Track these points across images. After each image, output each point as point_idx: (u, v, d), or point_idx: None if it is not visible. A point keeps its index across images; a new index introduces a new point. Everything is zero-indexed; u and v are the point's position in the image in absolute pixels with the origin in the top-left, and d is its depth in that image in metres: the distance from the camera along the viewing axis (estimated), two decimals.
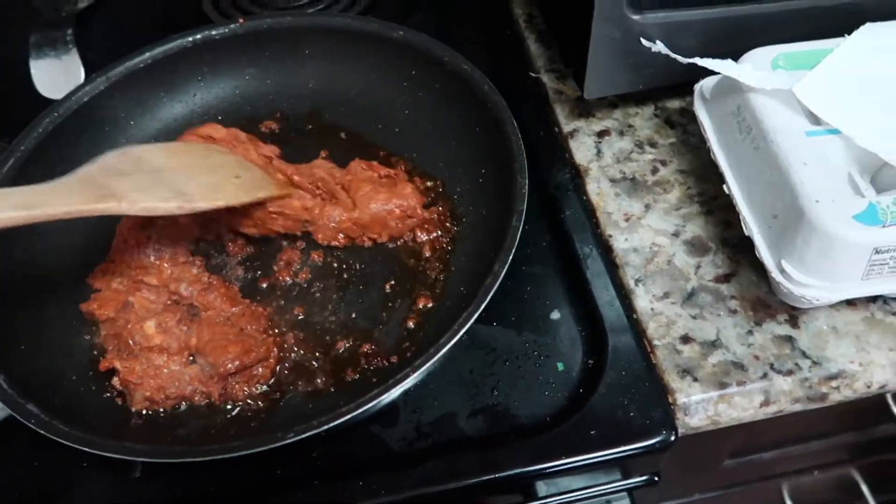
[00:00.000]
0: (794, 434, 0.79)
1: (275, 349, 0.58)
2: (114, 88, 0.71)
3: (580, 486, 0.60)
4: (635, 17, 0.62)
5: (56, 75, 0.82)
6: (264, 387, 0.57)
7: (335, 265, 0.64)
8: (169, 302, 0.60)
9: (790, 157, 0.54)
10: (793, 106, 0.57)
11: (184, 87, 0.75)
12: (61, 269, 0.63)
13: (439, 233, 0.64)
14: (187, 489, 0.55)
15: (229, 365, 0.55)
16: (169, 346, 0.57)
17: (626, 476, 0.61)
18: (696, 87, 0.66)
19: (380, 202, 0.62)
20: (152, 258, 0.62)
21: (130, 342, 0.58)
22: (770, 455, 0.82)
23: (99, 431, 0.51)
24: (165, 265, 0.62)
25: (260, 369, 0.57)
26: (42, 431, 0.49)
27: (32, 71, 0.82)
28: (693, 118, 0.72)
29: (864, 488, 0.96)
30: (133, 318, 0.59)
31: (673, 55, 0.62)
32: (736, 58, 0.62)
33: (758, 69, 0.59)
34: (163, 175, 0.55)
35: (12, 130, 0.76)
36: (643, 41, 0.63)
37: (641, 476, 0.61)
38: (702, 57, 0.63)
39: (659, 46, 0.63)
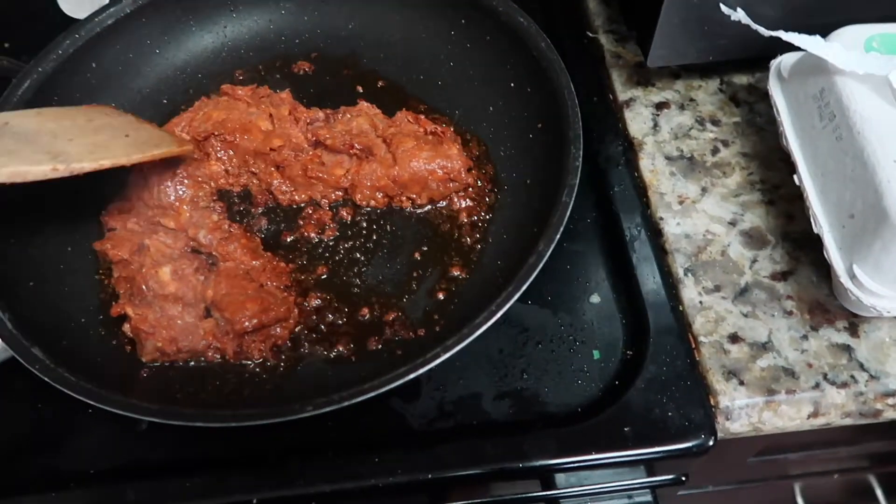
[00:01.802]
0: (825, 439, 0.76)
1: (295, 309, 0.55)
2: (140, 12, 0.66)
3: (603, 480, 0.57)
4: None
5: None
6: (281, 349, 0.54)
7: (364, 225, 0.60)
8: (187, 248, 0.57)
9: (878, 151, 0.49)
10: (886, 95, 0.52)
11: (215, 17, 0.70)
12: (74, 204, 0.59)
13: (478, 199, 0.60)
14: (194, 449, 0.52)
15: (246, 323, 0.52)
16: (184, 295, 0.54)
17: (651, 473, 0.57)
18: (773, 63, 0.60)
19: (422, 161, 0.58)
20: (172, 198, 0.58)
21: (144, 287, 0.54)
22: (795, 456, 0.79)
23: (106, 381, 0.48)
24: (185, 207, 0.58)
25: (278, 329, 0.54)
26: (48, 379, 0.47)
27: None
28: (762, 97, 0.67)
29: (880, 493, 0.94)
30: (148, 262, 0.55)
31: (755, 26, 0.57)
32: (823, 34, 0.56)
33: (849, 50, 0.53)
34: (37, 139, 0.50)
35: (33, 50, 0.72)
36: (723, 7, 0.57)
37: (669, 475, 0.58)
38: (783, 30, 0.57)
39: (740, 15, 0.57)
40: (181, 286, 0.54)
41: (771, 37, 0.56)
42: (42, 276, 0.55)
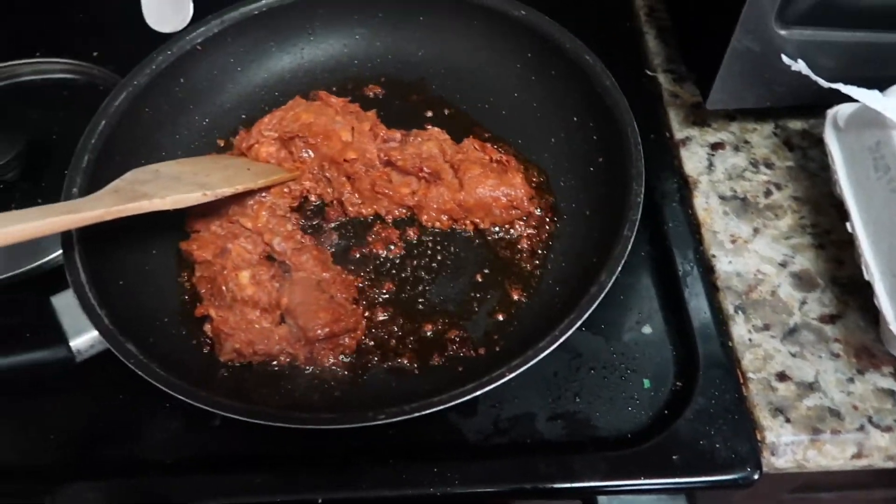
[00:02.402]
0: (863, 481, 0.77)
1: (363, 321, 0.58)
2: (227, 32, 0.70)
3: None
4: (781, 31, 0.59)
5: (166, 9, 0.81)
6: (348, 358, 0.57)
7: (429, 245, 0.63)
8: (264, 255, 0.61)
9: None
10: None
11: (294, 40, 0.73)
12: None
13: (538, 227, 0.63)
14: (262, 447, 0.55)
15: (318, 331, 0.55)
16: (260, 299, 0.57)
17: (691, 501, 0.59)
18: (830, 112, 0.62)
19: (488, 188, 0.61)
20: (251, 201, 0.62)
21: (224, 289, 0.58)
22: (830, 496, 0.80)
23: (188, 378, 0.52)
24: (263, 213, 0.62)
25: (346, 339, 0.57)
26: (141, 373, 0.50)
27: (143, 2, 0.81)
28: (815, 143, 0.69)
29: None
30: (230, 265, 0.59)
31: (814, 77, 0.59)
32: (881, 88, 0.58)
33: None
34: (182, 178, 0.60)
35: (119, 59, 0.76)
36: (784, 58, 0.60)
37: None
38: (842, 81, 0.59)
39: (800, 66, 0.59)
40: (258, 291, 0.58)
41: (829, 88, 0.59)
42: (130, 276, 0.59)
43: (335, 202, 0.64)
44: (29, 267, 0.62)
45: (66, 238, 0.55)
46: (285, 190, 0.64)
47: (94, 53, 0.78)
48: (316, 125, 0.64)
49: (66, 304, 0.54)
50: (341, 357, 0.57)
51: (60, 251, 0.57)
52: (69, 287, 0.54)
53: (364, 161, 0.64)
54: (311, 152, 0.65)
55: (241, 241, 0.60)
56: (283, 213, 0.63)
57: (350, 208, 0.64)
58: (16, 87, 0.76)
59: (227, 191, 0.60)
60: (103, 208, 0.53)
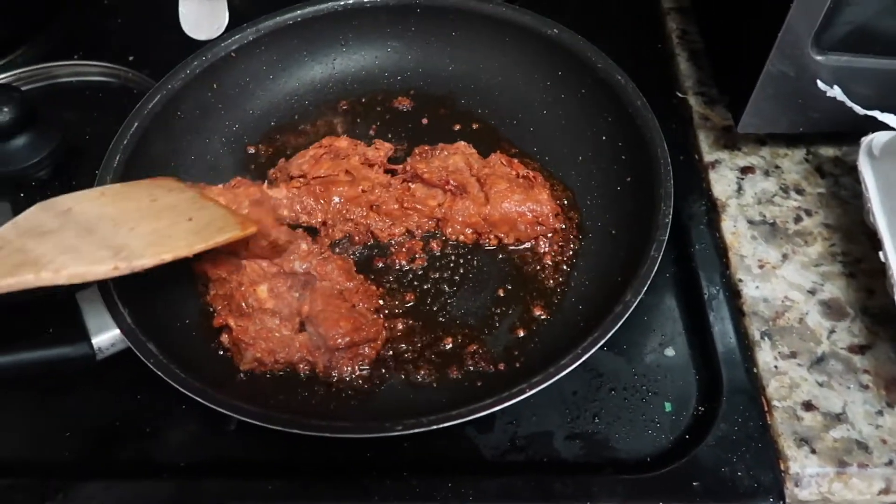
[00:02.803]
0: None
1: (384, 331, 0.58)
2: (261, 41, 0.71)
3: None
4: (817, 57, 0.58)
5: (202, 17, 0.83)
6: (366, 368, 0.57)
7: (452, 258, 0.63)
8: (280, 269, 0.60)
9: None
10: None
11: (326, 50, 0.74)
12: None
13: (563, 244, 0.62)
14: (276, 453, 0.55)
15: (339, 340, 0.55)
16: (280, 310, 0.57)
17: None
18: (864, 140, 0.61)
19: (514, 203, 0.61)
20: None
21: (243, 304, 0.58)
22: None
23: (206, 381, 0.52)
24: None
25: (366, 349, 0.57)
26: (160, 373, 0.50)
27: (180, 9, 0.83)
28: (847, 170, 0.68)
29: None
30: (246, 280, 0.58)
31: (850, 103, 0.58)
32: None
33: None
34: (97, 228, 0.48)
35: (153, 64, 0.78)
36: (819, 84, 0.59)
37: None
38: (878, 109, 0.59)
39: (835, 92, 0.59)
40: (278, 302, 0.58)
41: (865, 115, 0.58)
42: (152, 277, 0.58)
43: (363, 232, 0.64)
44: None
45: None
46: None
47: (130, 58, 0.80)
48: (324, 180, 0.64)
49: (89, 302, 0.55)
50: (359, 367, 0.56)
51: None
52: (94, 284, 0.54)
53: (377, 185, 0.64)
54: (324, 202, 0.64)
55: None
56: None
57: (381, 234, 0.64)
58: (53, 88, 0.78)
59: (148, 262, 0.47)
60: None
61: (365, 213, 0.63)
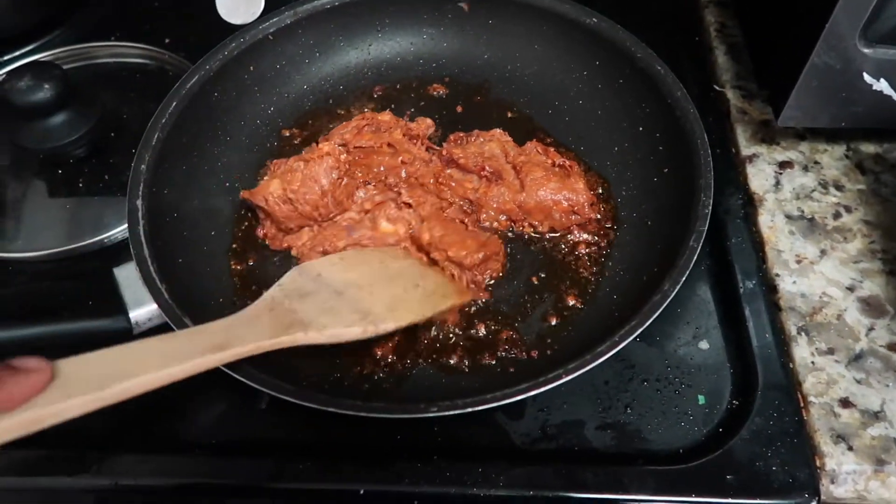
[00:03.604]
0: None
1: (502, 245, 0.60)
2: (298, 25, 0.71)
3: None
4: (865, 50, 0.57)
5: (238, 1, 0.83)
6: (392, 356, 0.57)
7: None
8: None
9: None
10: None
11: (362, 36, 0.74)
12: (220, 191, 0.64)
13: (598, 234, 0.62)
14: (308, 432, 0.55)
15: (473, 257, 0.57)
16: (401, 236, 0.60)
17: None
18: None
19: (549, 191, 0.60)
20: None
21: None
22: None
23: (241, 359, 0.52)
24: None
25: (493, 263, 0.59)
26: None
27: None
28: (888, 167, 0.67)
29: None
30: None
31: None
32: None
33: None
34: (345, 292, 0.53)
35: (189, 47, 0.78)
36: (866, 77, 0.58)
37: None
38: None
39: (882, 85, 0.58)
40: (398, 227, 0.60)
41: None
42: (189, 255, 0.60)
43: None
44: (93, 240, 0.64)
45: (132, 213, 0.57)
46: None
47: (167, 40, 0.81)
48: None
49: (127, 277, 0.55)
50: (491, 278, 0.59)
51: (124, 226, 0.58)
52: (131, 260, 0.55)
53: (417, 159, 0.64)
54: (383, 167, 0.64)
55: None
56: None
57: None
58: (91, 69, 0.79)
59: (391, 326, 0.52)
60: (255, 342, 0.47)
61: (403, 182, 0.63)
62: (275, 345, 0.48)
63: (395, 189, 0.61)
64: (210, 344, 0.46)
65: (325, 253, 0.58)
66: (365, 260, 0.58)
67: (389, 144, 0.64)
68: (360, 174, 0.63)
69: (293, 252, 0.61)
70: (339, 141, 0.64)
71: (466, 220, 0.61)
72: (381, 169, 0.63)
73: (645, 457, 0.54)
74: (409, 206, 0.60)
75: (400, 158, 0.64)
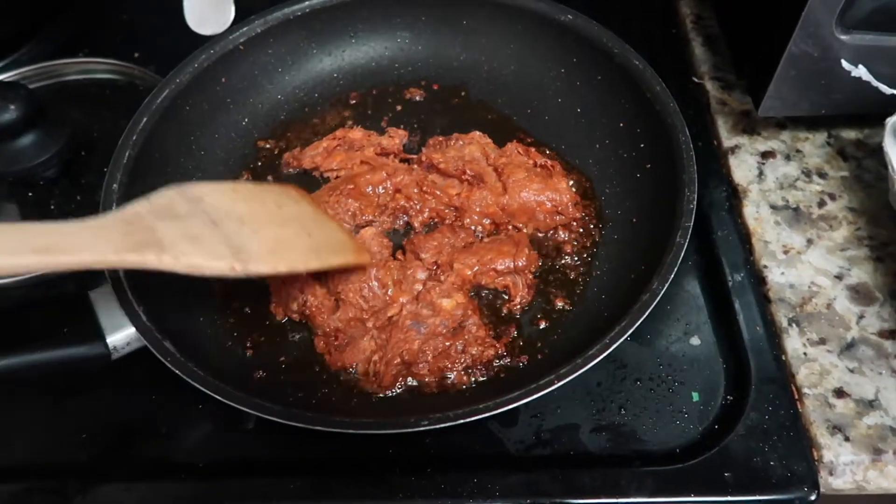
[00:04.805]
0: None
1: (525, 235, 0.60)
2: (269, 33, 0.70)
3: None
4: (842, 36, 0.57)
5: (207, 11, 0.81)
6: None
7: None
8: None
9: None
10: None
11: (335, 42, 0.73)
12: None
13: (583, 233, 0.61)
14: (297, 451, 0.54)
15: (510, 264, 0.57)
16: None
17: None
18: (889, 121, 0.60)
19: (532, 192, 0.60)
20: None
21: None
22: None
23: (224, 379, 0.51)
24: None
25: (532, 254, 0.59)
26: (177, 371, 0.49)
27: (185, 3, 0.82)
28: (871, 153, 0.66)
29: None
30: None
31: (875, 83, 0.57)
32: None
33: None
34: (223, 223, 0.48)
35: (159, 60, 0.77)
36: (844, 63, 0.58)
37: None
38: None
39: (860, 71, 0.57)
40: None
41: (891, 95, 0.57)
42: (167, 275, 0.58)
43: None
44: None
45: None
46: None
47: (136, 54, 0.79)
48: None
49: (103, 300, 0.53)
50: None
51: None
52: (107, 282, 0.53)
53: (397, 171, 0.63)
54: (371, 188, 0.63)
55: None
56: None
57: (413, 215, 0.62)
58: (59, 86, 0.77)
59: (263, 270, 0.47)
60: (92, 255, 0.42)
61: (392, 195, 0.62)
62: (119, 262, 0.43)
63: (414, 259, 0.58)
64: (33, 244, 0.40)
65: (405, 363, 0.53)
66: (261, 197, 0.53)
67: (363, 162, 0.63)
68: (359, 206, 0.61)
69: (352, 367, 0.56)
70: (311, 165, 0.63)
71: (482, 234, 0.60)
72: (370, 189, 0.61)
73: (641, 458, 0.53)
74: (438, 266, 0.58)
75: (384, 172, 0.63)
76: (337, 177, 0.65)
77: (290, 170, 0.67)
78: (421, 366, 0.53)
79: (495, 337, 0.56)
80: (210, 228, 0.47)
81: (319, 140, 0.66)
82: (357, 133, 0.66)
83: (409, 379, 0.54)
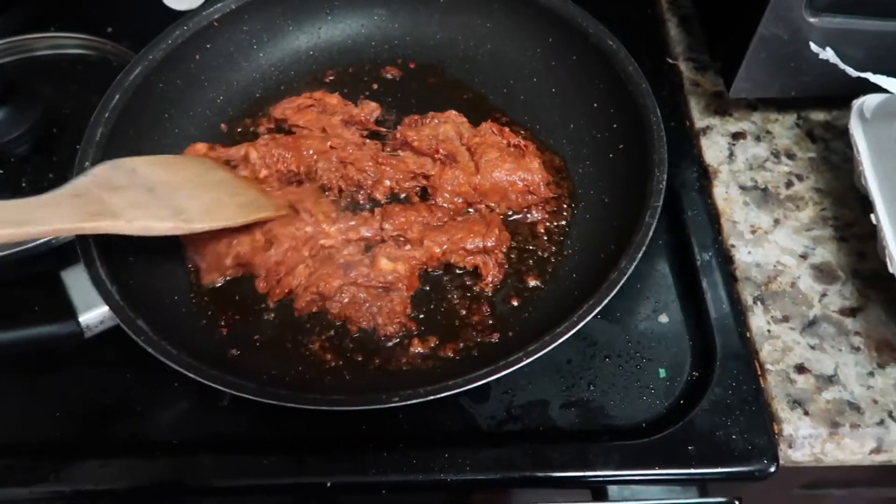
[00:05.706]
0: (874, 478, 0.76)
1: (498, 217, 0.61)
2: (244, 10, 0.69)
3: (654, 497, 0.58)
4: (811, 19, 0.57)
5: None
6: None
7: None
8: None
9: None
10: None
11: (311, 20, 0.73)
12: None
13: (556, 213, 0.62)
14: (271, 428, 0.55)
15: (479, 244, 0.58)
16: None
17: (703, 494, 0.58)
18: (855, 103, 0.61)
19: (504, 172, 0.60)
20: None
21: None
22: (839, 492, 0.79)
23: (198, 357, 0.51)
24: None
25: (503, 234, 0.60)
26: (151, 350, 0.49)
27: None
28: (838, 135, 0.68)
29: None
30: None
31: (843, 66, 0.58)
32: None
33: None
34: (158, 190, 0.54)
35: (133, 36, 0.76)
36: (812, 46, 0.58)
37: (721, 498, 0.59)
38: (870, 71, 0.58)
39: (828, 54, 0.58)
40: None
41: (858, 78, 0.58)
42: (140, 253, 0.58)
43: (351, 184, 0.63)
44: (39, 242, 0.62)
45: None
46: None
47: (109, 29, 0.78)
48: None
49: (76, 279, 0.53)
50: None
51: None
52: (80, 262, 0.53)
53: (349, 144, 0.64)
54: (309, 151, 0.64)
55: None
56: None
57: (370, 187, 0.63)
58: (30, 62, 0.75)
59: (204, 226, 0.54)
60: (59, 223, 0.47)
61: (339, 166, 0.63)
62: (77, 230, 0.49)
63: (378, 220, 0.60)
64: (4, 218, 0.46)
65: (320, 294, 0.57)
66: (185, 166, 0.59)
67: (323, 129, 0.64)
68: (291, 158, 0.62)
69: (290, 294, 0.58)
70: (280, 115, 0.65)
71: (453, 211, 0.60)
72: (310, 153, 0.63)
73: (609, 432, 0.54)
74: (403, 238, 0.59)
75: (329, 143, 0.64)
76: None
77: (262, 129, 0.68)
78: (334, 304, 0.56)
79: (467, 315, 0.57)
80: (148, 195, 0.53)
81: (297, 96, 0.67)
82: (333, 99, 0.67)
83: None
